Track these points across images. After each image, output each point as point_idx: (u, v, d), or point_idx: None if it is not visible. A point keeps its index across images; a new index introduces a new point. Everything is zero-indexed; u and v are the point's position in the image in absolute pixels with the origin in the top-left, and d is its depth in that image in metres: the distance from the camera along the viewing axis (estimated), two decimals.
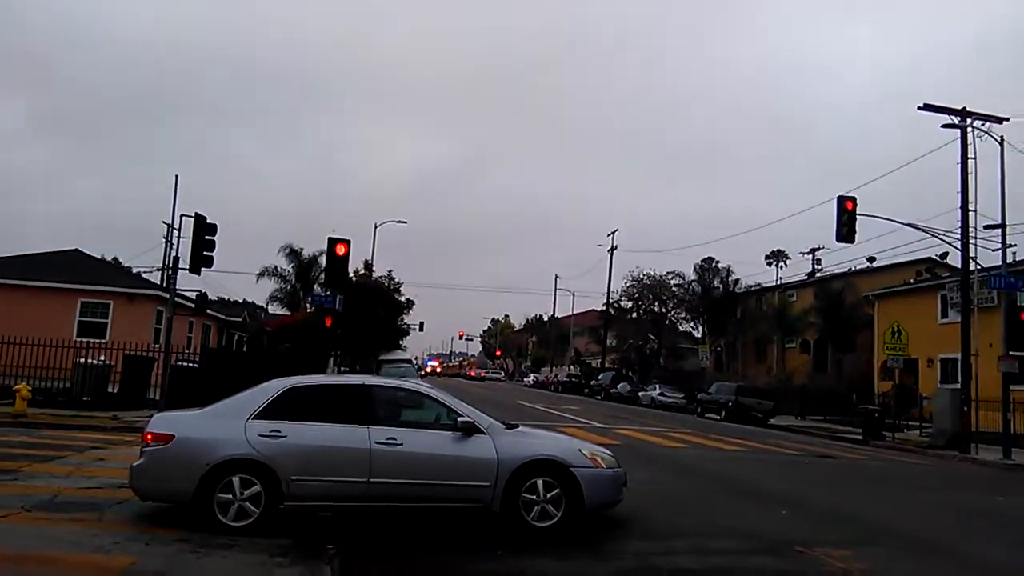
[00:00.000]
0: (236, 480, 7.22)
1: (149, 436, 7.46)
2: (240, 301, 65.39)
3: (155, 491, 7.53)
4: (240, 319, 47.75)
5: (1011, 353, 22.23)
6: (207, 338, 37.35)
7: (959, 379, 24.41)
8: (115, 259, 60.77)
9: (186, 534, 6.99)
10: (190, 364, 20.69)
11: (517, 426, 8.71)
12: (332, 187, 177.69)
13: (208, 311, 31.44)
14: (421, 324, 58.45)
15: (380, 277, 39.33)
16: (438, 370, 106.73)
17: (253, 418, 7.51)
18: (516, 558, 6.93)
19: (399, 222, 49.86)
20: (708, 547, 7.74)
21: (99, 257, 42.55)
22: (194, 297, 25.95)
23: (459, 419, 7.92)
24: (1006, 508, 12.20)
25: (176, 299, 18.90)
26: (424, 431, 7.95)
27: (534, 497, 7.81)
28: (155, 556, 6.36)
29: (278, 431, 7.45)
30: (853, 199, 22.38)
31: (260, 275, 50.92)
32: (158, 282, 36.79)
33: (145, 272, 43.02)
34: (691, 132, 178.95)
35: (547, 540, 7.53)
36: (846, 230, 22.37)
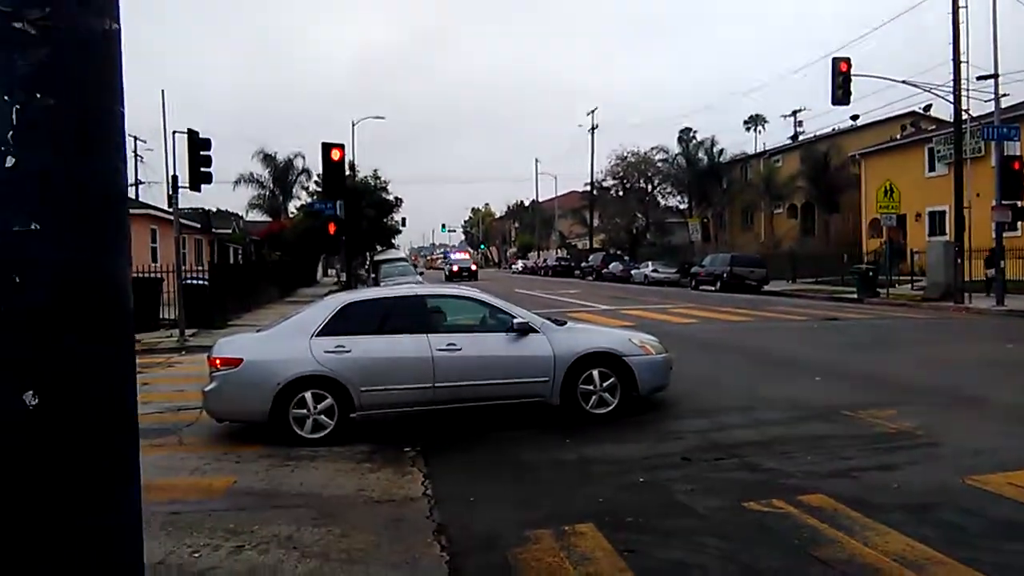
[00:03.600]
0: (309, 395, 7.49)
1: (217, 361, 7.63)
2: (218, 211, 64.48)
3: (231, 412, 7.80)
4: (230, 231, 47.29)
5: (1003, 202, 22.68)
6: (201, 252, 37.09)
7: (947, 231, 24.98)
8: None
9: (268, 449, 7.30)
10: (198, 281, 20.71)
11: (565, 323, 8.98)
12: (292, 87, 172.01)
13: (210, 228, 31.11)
14: (403, 220, 57.87)
15: (366, 176, 38.72)
16: (473, 268, 58.89)
17: (316, 335, 7.70)
18: (585, 445, 7.26)
19: (377, 118, 48.25)
20: (760, 419, 8.13)
21: None
22: (190, 212, 25.55)
23: (514, 320, 8.15)
24: (1015, 354, 12.81)
25: (173, 217, 18.69)
26: (481, 334, 8.21)
27: (591, 388, 8.16)
28: (251, 473, 6.66)
29: (342, 346, 7.65)
30: (848, 60, 22.13)
31: (237, 183, 50.14)
32: (133, 197, 36.05)
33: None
34: None
35: (607, 426, 7.89)
36: (841, 92, 22.22)
